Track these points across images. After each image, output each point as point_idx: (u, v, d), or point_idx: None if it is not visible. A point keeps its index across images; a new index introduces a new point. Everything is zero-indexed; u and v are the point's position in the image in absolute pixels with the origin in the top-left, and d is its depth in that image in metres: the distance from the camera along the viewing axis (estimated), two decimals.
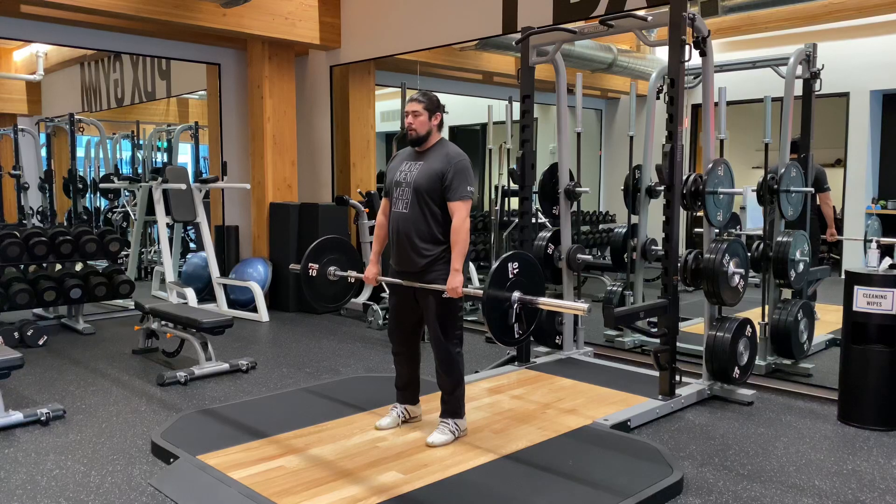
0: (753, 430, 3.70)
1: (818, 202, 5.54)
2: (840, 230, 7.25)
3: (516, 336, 3.15)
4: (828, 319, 5.55)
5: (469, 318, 6.19)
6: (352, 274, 3.74)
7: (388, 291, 3.66)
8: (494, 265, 3.04)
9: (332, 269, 3.73)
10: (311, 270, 3.68)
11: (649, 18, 4.00)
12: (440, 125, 3.39)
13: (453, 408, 3.39)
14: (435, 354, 3.34)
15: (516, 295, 3.05)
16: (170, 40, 6.87)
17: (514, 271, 3.06)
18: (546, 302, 3.11)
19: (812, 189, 4.94)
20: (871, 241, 4.14)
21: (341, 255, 3.78)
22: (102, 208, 9.33)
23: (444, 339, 3.29)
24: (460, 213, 3.20)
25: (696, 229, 5.04)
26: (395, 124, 6.70)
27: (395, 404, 3.63)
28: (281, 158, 7.22)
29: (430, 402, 3.87)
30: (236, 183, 7.09)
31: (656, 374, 4.04)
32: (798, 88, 4.83)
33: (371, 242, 6.69)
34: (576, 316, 4.92)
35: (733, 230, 5.63)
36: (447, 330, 3.29)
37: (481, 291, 3.01)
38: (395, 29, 6.63)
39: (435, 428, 3.42)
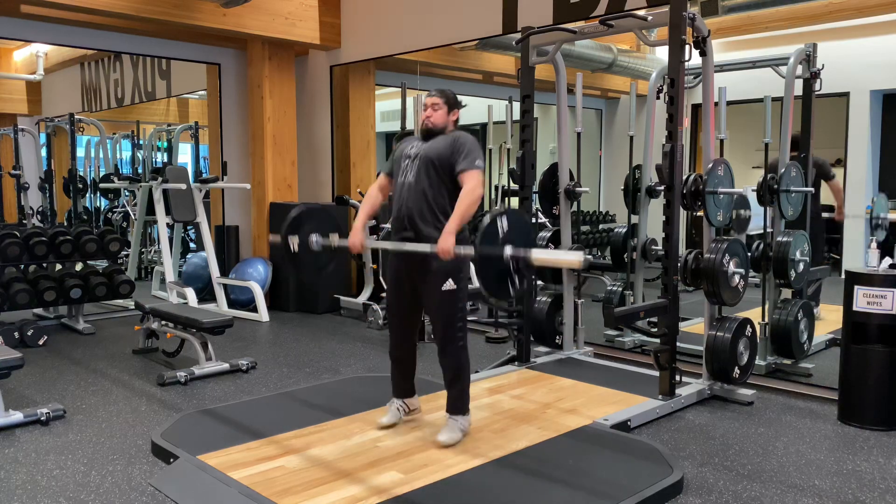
0: (753, 430, 3.70)
1: (830, 190, 5.52)
2: (840, 230, 7.26)
3: (510, 292, 3.09)
4: (828, 319, 5.56)
5: (469, 319, 6.18)
6: (334, 242, 3.57)
7: (385, 283, 3.62)
8: (484, 223, 2.97)
9: (313, 238, 3.54)
10: (292, 245, 3.50)
11: (649, 18, 4.00)
12: (456, 123, 3.38)
13: (459, 403, 3.38)
14: (439, 351, 3.31)
15: (508, 250, 2.97)
16: (170, 40, 6.87)
17: (504, 230, 2.97)
18: (539, 254, 3.03)
19: (812, 189, 4.94)
20: (871, 240, 4.14)
21: (320, 223, 3.60)
22: (102, 208, 9.33)
23: (448, 336, 3.27)
24: (472, 180, 3.13)
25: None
26: (395, 124, 6.70)
27: (392, 399, 3.62)
28: (281, 158, 7.22)
29: (431, 402, 3.88)
30: (236, 183, 7.09)
31: (656, 374, 4.04)
32: (798, 88, 4.83)
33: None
34: (576, 316, 4.91)
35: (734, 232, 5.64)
36: (450, 327, 3.26)
37: (472, 249, 2.93)
38: (395, 29, 6.63)
39: (438, 426, 3.41)
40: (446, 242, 3.03)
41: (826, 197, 5.84)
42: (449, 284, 3.23)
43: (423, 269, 3.26)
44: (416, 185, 3.23)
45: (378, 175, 3.53)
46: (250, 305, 6.77)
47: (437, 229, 3.17)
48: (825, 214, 5.73)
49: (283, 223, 3.50)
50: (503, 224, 2.97)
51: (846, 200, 7.22)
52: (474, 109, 8.55)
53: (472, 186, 3.13)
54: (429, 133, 3.32)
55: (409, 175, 3.27)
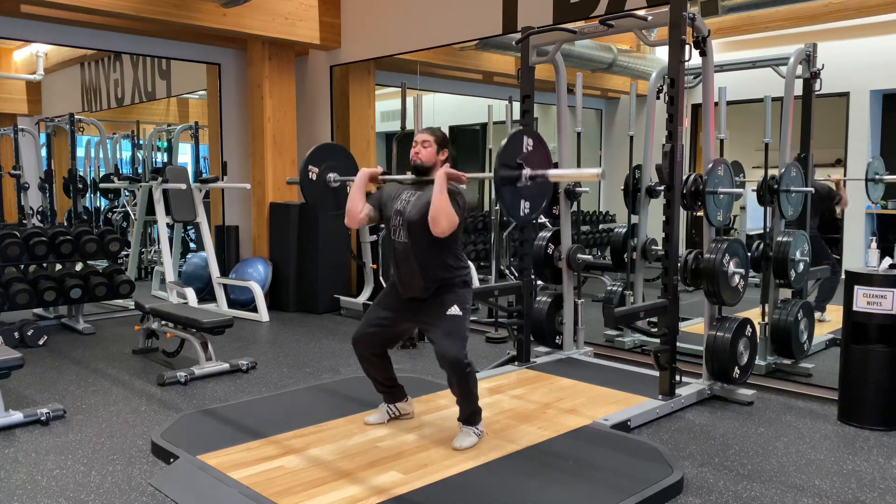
0: (753, 430, 3.70)
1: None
2: (840, 230, 7.26)
3: (523, 214, 3.14)
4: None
5: (469, 319, 6.18)
6: (351, 179, 3.58)
7: (384, 287, 3.61)
8: (505, 140, 3.01)
9: (331, 175, 3.60)
10: (311, 174, 3.54)
11: (649, 18, 4.00)
12: (446, 163, 3.31)
13: (471, 418, 3.35)
14: (449, 374, 3.23)
15: (526, 171, 3.04)
16: (170, 40, 6.87)
17: (529, 147, 3.03)
18: (557, 172, 3.09)
19: (812, 189, 4.95)
20: (871, 240, 4.15)
21: (339, 161, 3.66)
22: (102, 208, 9.33)
23: (459, 360, 3.17)
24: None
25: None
26: (395, 124, 6.70)
27: (384, 402, 3.63)
28: (281, 158, 7.22)
29: (430, 402, 3.88)
30: (236, 183, 7.09)
31: (656, 374, 4.04)
32: (798, 88, 4.83)
33: (371, 242, 6.71)
34: (576, 316, 4.92)
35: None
36: (462, 349, 3.20)
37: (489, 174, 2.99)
38: (395, 29, 6.63)
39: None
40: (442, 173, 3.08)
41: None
42: (454, 310, 3.23)
43: (428, 305, 3.25)
44: (410, 246, 3.22)
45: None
46: (250, 305, 6.77)
47: (438, 280, 3.23)
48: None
49: (306, 155, 3.60)
50: (528, 142, 3.03)
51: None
52: (474, 109, 8.57)
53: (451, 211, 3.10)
54: (417, 170, 3.29)
55: (403, 234, 3.25)
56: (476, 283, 6.97)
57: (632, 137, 5.54)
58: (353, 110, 7.35)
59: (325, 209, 3.76)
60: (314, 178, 3.59)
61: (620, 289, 5.59)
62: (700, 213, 4.14)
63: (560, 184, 4.82)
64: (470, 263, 3.41)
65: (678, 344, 4.07)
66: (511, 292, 4.72)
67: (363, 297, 6.73)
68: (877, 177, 5.33)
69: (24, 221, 8.26)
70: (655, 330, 4.85)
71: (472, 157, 8.96)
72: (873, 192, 5.39)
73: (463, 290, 3.30)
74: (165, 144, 9.81)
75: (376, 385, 3.57)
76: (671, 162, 3.91)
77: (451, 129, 9.41)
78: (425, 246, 3.21)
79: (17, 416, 3.72)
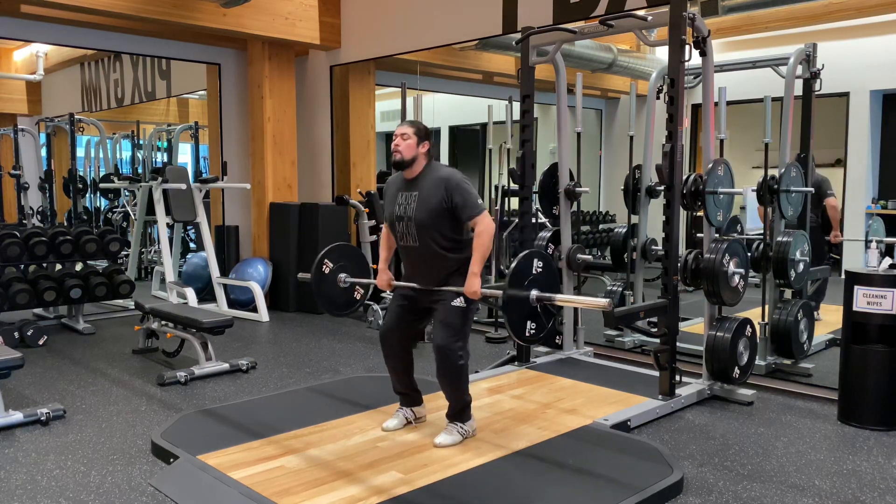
0: (753, 430, 3.70)
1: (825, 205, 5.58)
2: (840, 230, 7.26)
3: (533, 335, 3.14)
4: (828, 319, 5.56)
5: None
6: (362, 281, 3.70)
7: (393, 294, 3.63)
8: (514, 264, 3.03)
9: (342, 275, 3.67)
10: (325, 267, 3.60)
11: (649, 18, 4.00)
12: (428, 154, 3.29)
13: (458, 413, 3.37)
14: (438, 362, 3.25)
15: (534, 293, 3.06)
16: (170, 40, 6.87)
17: (539, 269, 3.05)
18: (564, 298, 3.10)
19: (812, 189, 4.95)
20: (871, 241, 4.15)
21: (351, 262, 3.72)
22: (102, 208, 9.33)
23: (450, 349, 3.20)
24: (482, 223, 3.14)
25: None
26: (394, 124, 6.69)
27: (399, 407, 3.61)
28: (281, 158, 7.22)
29: (430, 402, 3.87)
30: (236, 183, 7.09)
31: (656, 374, 4.04)
32: (798, 88, 4.83)
33: (371, 242, 6.71)
34: (576, 316, 4.92)
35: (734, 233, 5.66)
36: (455, 339, 3.21)
37: (500, 291, 3.00)
38: (395, 29, 6.63)
39: (440, 428, 3.41)
40: (474, 284, 3.11)
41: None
42: (459, 301, 3.22)
43: (437, 296, 3.27)
44: (419, 248, 3.23)
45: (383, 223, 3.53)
46: (250, 305, 6.77)
47: (447, 271, 3.23)
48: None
49: (321, 253, 3.65)
50: (537, 265, 3.06)
51: (846, 200, 7.24)
52: (474, 109, 8.57)
53: (482, 228, 3.14)
54: (399, 165, 3.26)
55: (411, 240, 3.25)
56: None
57: (632, 137, 5.54)
58: (353, 110, 7.35)
59: (334, 309, 3.79)
60: (327, 272, 3.63)
61: (620, 289, 5.59)
62: (700, 213, 4.14)
63: (560, 183, 4.83)
64: None
65: (678, 344, 4.07)
66: None
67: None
68: (875, 239, 5.25)
69: (24, 221, 8.26)
70: (655, 330, 4.85)
71: (472, 158, 8.97)
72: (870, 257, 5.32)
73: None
74: (165, 144, 9.81)
75: (397, 384, 3.53)
76: (671, 162, 3.92)
77: (451, 129, 9.41)
78: (436, 241, 3.21)
79: (17, 416, 3.72)
